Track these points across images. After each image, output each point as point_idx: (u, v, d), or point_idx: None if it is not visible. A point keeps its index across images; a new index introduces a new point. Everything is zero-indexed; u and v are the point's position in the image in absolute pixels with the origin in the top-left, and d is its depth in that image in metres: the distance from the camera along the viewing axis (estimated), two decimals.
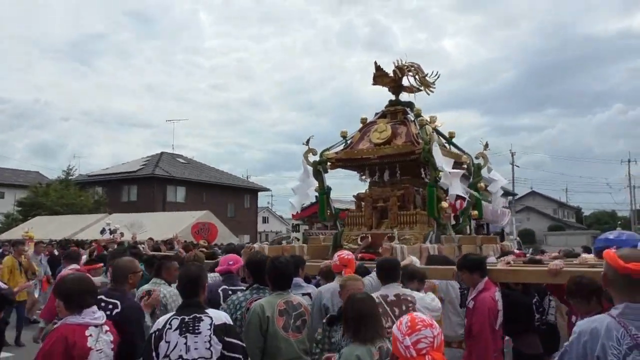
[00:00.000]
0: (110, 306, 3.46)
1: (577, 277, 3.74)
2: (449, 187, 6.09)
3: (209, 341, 2.92)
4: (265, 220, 55.56)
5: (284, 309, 3.60)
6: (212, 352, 2.90)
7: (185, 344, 2.91)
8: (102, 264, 6.02)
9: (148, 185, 33.18)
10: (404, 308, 3.73)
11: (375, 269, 4.41)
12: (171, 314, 3.15)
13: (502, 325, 4.11)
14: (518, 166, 49.32)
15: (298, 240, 16.90)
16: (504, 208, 14.95)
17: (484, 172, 7.35)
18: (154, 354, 2.93)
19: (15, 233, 23.19)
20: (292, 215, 7.98)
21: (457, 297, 4.90)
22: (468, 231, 7.51)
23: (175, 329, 2.96)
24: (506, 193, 40.10)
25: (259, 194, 43.05)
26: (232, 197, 37.96)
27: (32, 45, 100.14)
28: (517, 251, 7.80)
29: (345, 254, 4.71)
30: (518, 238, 17.11)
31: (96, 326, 2.97)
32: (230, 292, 4.27)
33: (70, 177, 34.35)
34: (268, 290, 3.82)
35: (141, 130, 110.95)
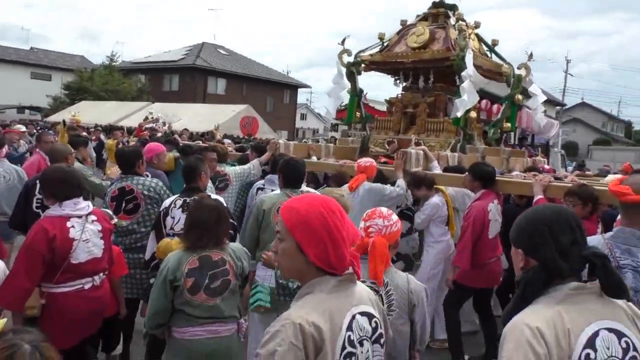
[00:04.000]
0: None
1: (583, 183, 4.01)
2: (464, 95, 5.93)
3: None
4: (303, 117, 55.62)
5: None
6: None
7: None
8: None
9: (189, 76, 33.31)
10: None
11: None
12: (176, 195, 3.69)
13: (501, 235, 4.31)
14: (572, 75, 46.80)
15: (334, 139, 17.12)
16: (551, 119, 14.48)
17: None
18: (162, 226, 3.52)
19: (62, 116, 24.22)
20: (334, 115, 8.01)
21: None
22: (512, 142, 7.28)
23: (179, 207, 3.54)
24: (555, 103, 38.49)
25: (299, 90, 42.72)
26: (271, 91, 37.85)
27: None
28: (547, 167, 7.72)
29: (364, 160, 4.81)
30: (562, 151, 16.58)
31: (79, 217, 2.99)
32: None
33: (113, 64, 34.78)
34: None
35: (183, 19, 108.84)
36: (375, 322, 1.63)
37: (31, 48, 43.63)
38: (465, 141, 6.42)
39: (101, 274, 3.12)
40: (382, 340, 1.66)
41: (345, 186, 4.60)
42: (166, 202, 3.68)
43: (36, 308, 2.90)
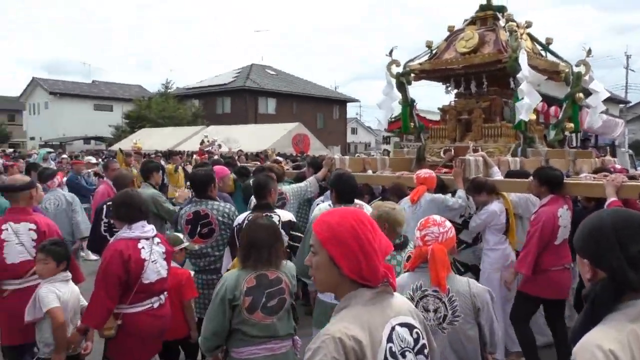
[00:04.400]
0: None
1: None
2: (524, 96, 5.71)
3: None
4: (354, 131, 55.70)
5: None
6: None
7: None
8: None
9: (240, 97, 34.20)
10: None
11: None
12: (248, 212, 3.91)
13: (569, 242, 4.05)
14: (633, 70, 44.37)
15: (387, 152, 16.99)
16: (615, 118, 13.69)
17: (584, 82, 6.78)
18: (237, 242, 3.55)
19: (124, 144, 25.40)
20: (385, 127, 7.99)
21: None
22: (573, 144, 6.99)
23: None
24: (617, 101, 36.55)
25: (348, 104, 42.88)
26: (321, 108, 38.21)
27: None
28: (617, 166, 7.29)
29: (423, 172, 4.72)
30: (630, 151, 15.64)
31: (147, 239, 3.16)
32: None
33: (169, 91, 36.28)
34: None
35: (230, 42, 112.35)
36: (417, 332, 1.60)
37: (93, 81, 46.25)
38: (526, 145, 6.19)
39: (165, 293, 3.30)
40: (425, 351, 1.62)
41: (407, 198, 4.53)
42: (239, 219, 3.85)
43: (113, 329, 3.04)
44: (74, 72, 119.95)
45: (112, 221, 3.77)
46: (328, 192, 4.72)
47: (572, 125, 6.77)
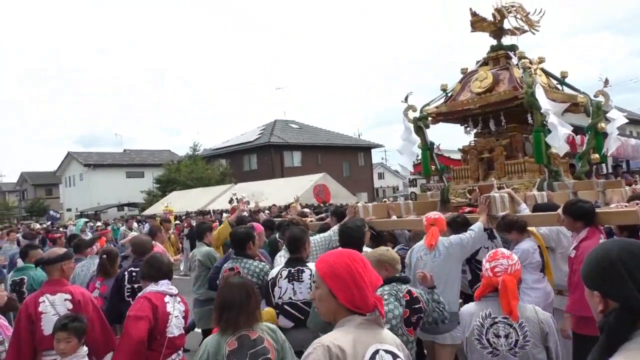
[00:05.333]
0: (134, 274, 4.38)
1: None
2: (556, 129, 5.65)
3: (310, 287, 3.70)
4: (380, 176, 55.74)
5: None
6: None
7: (293, 289, 3.82)
8: None
9: (266, 153, 34.85)
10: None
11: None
12: (281, 266, 4.01)
13: None
14: None
15: (414, 195, 16.85)
16: None
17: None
18: (272, 296, 3.86)
19: (156, 208, 26.00)
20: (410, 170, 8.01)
21: (570, 245, 4.68)
22: (604, 171, 6.84)
23: (285, 278, 3.87)
24: None
25: (373, 150, 43.17)
26: (346, 156, 38.55)
27: None
28: None
29: (432, 214, 4.63)
30: None
31: (171, 295, 3.37)
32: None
33: (196, 153, 37.26)
34: None
35: (253, 101, 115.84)
36: None
37: (124, 150, 48.00)
38: (552, 178, 6.09)
39: (182, 350, 3.49)
40: None
41: (421, 244, 4.46)
42: (273, 273, 4.01)
43: None
44: (106, 144, 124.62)
45: (136, 286, 3.99)
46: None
47: (597, 156, 6.67)
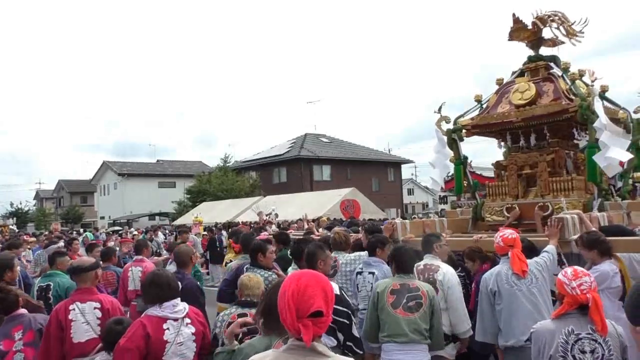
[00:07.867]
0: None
1: None
2: (607, 147, 5.19)
3: None
4: (410, 192, 55.01)
5: (397, 289, 3.96)
6: None
7: None
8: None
9: (295, 166, 34.78)
10: (426, 275, 4.31)
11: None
12: None
13: None
14: None
15: (444, 211, 16.34)
16: None
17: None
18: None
19: (187, 218, 26.11)
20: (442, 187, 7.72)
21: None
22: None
23: None
24: None
25: (403, 165, 42.62)
26: (375, 171, 38.14)
27: None
28: None
29: (508, 233, 4.20)
30: None
31: (176, 320, 3.05)
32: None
33: (227, 164, 37.49)
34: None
35: (284, 114, 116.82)
36: None
37: (157, 161, 48.75)
38: (603, 198, 5.61)
39: None
40: None
41: (507, 269, 4.07)
42: None
43: None
44: (141, 154, 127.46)
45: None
46: (366, 259, 4.89)
47: (639, 174, 6.22)
